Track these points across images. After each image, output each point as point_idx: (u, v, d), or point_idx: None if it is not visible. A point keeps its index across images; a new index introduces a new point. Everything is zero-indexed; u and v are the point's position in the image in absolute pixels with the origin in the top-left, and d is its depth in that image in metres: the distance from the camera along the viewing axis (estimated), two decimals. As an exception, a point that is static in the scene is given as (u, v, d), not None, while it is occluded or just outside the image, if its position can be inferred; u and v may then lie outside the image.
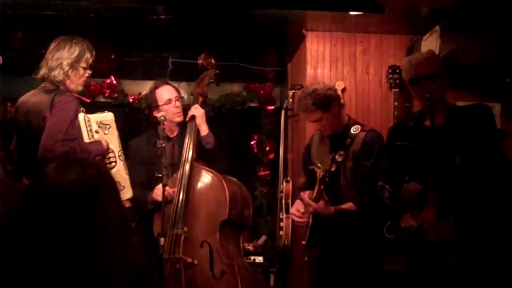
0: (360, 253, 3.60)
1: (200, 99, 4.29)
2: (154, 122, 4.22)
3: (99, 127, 3.57)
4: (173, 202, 3.94)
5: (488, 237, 3.18)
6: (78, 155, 3.29)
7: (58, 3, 4.61)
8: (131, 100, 6.38)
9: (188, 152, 4.05)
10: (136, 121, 6.38)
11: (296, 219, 3.80)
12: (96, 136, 3.52)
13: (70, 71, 3.55)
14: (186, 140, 4.09)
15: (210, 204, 3.95)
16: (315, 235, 3.69)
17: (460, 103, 4.09)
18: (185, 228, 3.87)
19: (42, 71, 3.57)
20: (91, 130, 3.51)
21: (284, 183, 5.26)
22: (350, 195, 3.65)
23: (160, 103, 4.19)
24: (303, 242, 3.80)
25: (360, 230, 3.60)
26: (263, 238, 5.74)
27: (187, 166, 4.01)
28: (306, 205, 3.67)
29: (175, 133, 4.27)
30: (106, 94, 6.35)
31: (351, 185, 3.65)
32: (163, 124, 3.92)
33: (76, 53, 3.58)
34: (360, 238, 3.60)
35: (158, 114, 3.96)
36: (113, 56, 6.00)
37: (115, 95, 6.36)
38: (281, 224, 5.12)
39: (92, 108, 5.94)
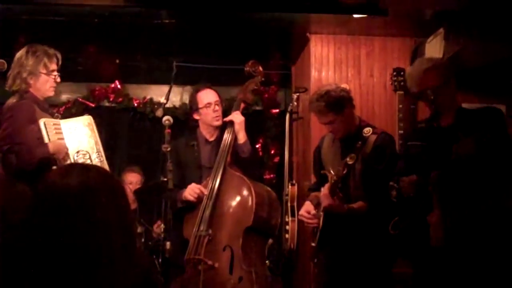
0: (370, 255, 3.58)
1: (242, 106, 4.30)
2: (193, 124, 4.25)
3: (70, 131, 3.71)
4: (201, 203, 3.98)
5: (493, 240, 3.18)
6: (21, 158, 3.43)
7: (63, 9, 4.62)
8: (136, 104, 6.38)
9: (223, 156, 4.06)
10: (140, 125, 6.39)
11: (306, 220, 3.77)
12: (68, 140, 3.66)
13: (29, 78, 3.67)
14: (222, 144, 4.12)
15: (237, 210, 3.96)
16: (326, 237, 3.66)
17: (464, 105, 4.08)
18: (210, 231, 3.87)
19: (8, 84, 3.71)
20: (57, 133, 3.63)
21: (290, 186, 5.25)
22: (359, 197, 3.63)
23: (200, 105, 4.22)
24: (313, 244, 3.76)
25: (371, 232, 3.58)
26: (269, 241, 5.73)
27: (220, 171, 4.02)
28: (323, 198, 3.62)
29: (214, 137, 4.28)
30: (111, 99, 6.35)
31: (360, 188, 3.63)
32: (169, 128, 3.93)
33: (31, 61, 3.69)
34: (370, 241, 3.57)
35: (163, 118, 3.98)
36: (117, 61, 6.02)
37: (120, 99, 6.36)
38: (287, 227, 5.11)
39: (97, 112, 6.07)
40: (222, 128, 4.26)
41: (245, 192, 3.97)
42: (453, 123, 3.29)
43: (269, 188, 4.21)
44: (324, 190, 3.59)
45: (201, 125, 4.29)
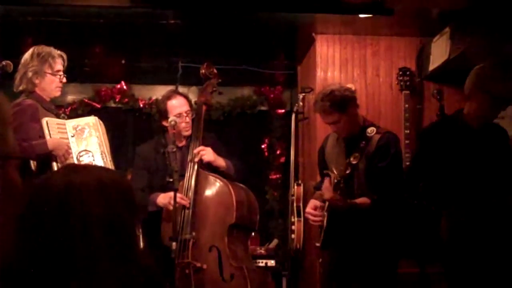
0: (375, 255, 3.58)
1: (204, 108, 4.23)
2: (162, 129, 4.22)
3: (75, 131, 3.73)
4: (181, 207, 3.95)
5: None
6: (21, 154, 3.42)
7: (69, 10, 4.64)
8: (141, 105, 6.39)
9: (194, 160, 4.02)
10: (146, 126, 6.40)
11: (312, 218, 3.76)
12: (72, 140, 3.69)
13: (34, 78, 3.71)
14: (191, 146, 4.08)
15: (218, 209, 3.95)
16: (330, 237, 3.66)
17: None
18: (193, 233, 3.88)
19: (15, 84, 3.75)
20: (60, 133, 3.65)
21: (295, 186, 5.26)
22: (362, 196, 3.63)
23: (170, 114, 4.11)
24: (317, 244, 3.77)
25: (375, 232, 3.58)
26: (275, 241, 5.74)
27: (194, 174, 3.99)
28: (325, 191, 3.61)
29: (184, 143, 4.21)
30: (117, 99, 6.36)
31: (364, 187, 3.63)
32: (174, 129, 3.92)
33: (36, 61, 3.72)
34: (375, 241, 3.57)
35: (169, 119, 3.96)
36: (123, 61, 6.04)
37: (126, 100, 6.37)
38: (293, 227, 5.11)
39: (103, 113, 6.08)
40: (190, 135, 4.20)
41: (223, 191, 3.95)
42: (484, 128, 3.40)
43: (243, 185, 4.17)
44: (326, 183, 3.59)
45: (170, 132, 4.20)
